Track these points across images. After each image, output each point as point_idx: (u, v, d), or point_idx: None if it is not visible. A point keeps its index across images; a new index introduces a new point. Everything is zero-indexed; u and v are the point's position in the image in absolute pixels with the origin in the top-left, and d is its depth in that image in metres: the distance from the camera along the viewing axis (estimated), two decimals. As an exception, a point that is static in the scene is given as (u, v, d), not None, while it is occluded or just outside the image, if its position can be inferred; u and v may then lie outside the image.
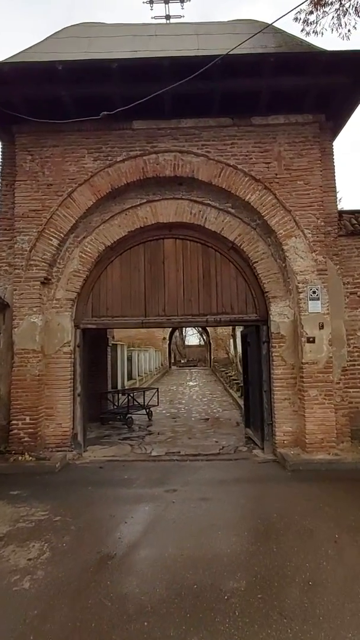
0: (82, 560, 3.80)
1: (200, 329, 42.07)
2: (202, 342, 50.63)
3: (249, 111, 7.49)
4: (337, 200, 7.85)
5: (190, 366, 44.01)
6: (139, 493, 5.55)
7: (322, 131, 7.73)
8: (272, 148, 7.53)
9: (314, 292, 7.30)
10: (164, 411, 12.91)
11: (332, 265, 7.66)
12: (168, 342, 36.59)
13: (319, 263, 7.37)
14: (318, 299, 7.29)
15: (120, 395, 12.16)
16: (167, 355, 36.59)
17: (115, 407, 11.45)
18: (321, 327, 7.23)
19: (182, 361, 52.24)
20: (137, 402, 11.59)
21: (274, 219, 7.46)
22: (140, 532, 4.37)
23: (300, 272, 7.36)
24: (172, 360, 53.56)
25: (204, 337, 43.98)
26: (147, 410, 11.49)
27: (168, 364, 36.69)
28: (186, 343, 59.47)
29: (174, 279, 8.03)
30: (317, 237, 7.41)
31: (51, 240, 7.52)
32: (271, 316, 7.62)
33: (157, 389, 13.02)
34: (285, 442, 7.40)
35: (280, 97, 7.36)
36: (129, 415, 10.51)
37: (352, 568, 3.59)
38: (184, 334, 59.27)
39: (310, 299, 7.29)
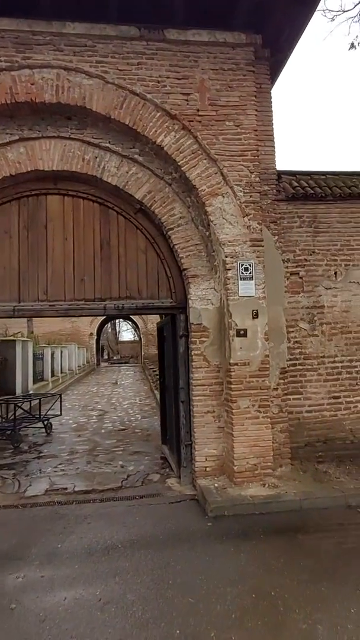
0: None
1: (131, 322, 39.83)
2: (137, 338, 48.52)
3: (161, 21, 5.49)
4: (276, 155, 6.16)
5: (121, 363, 41.69)
6: None
7: (258, 61, 5.93)
8: (193, 74, 5.59)
9: (246, 270, 5.49)
10: (70, 421, 10.66)
11: (269, 236, 5.90)
12: (96, 337, 33.99)
13: (253, 231, 5.58)
14: (251, 279, 5.49)
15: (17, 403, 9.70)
16: (95, 352, 33.97)
17: (3, 420, 9.01)
18: (255, 315, 5.45)
19: (115, 358, 49.72)
20: (30, 412, 9.24)
21: (194, 170, 5.53)
22: None
23: (229, 242, 5.51)
24: (106, 357, 50.87)
25: (137, 332, 41.82)
26: (45, 422, 9.18)
27: (95, 362, 34.09)
28: (120, 339, 56.99)
29: (60, 251, 5.85)
30: (251, 196, 5.60)
31: None
32: (191, 302, 5.71)
33: (60, 395, 10.71)
34: (207, 469, 5.55)
35: (204, 5, 5.44)
36: (16, 430, 8.15)
37: None
38: (117, 329, 56.74)
39: (241, 279, 5.47)
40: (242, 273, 5.47)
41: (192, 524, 4.39)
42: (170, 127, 5.51)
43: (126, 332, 56.42)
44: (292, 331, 6.19)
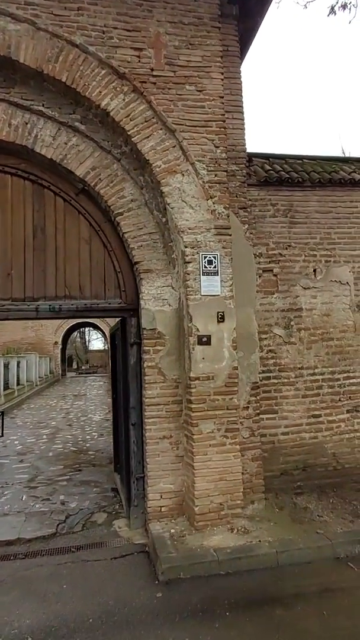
0: None
1: (100, 330, 38.36)
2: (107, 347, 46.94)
3: None
4: (245, 131, 5.25)
5: (89, 373, 40.04)
6: None
7: (225, 19, 5.02)
8: (147, 27, 4.62)
9: (210, 263, 4.50)
10: (16, 442, 9.35)
11: (238, 225, 4.95)
12: (61, 346, 32.38)
13: (219, 217, 4.61)
14: (216, 274, 4.51)
15: None
16: (60, 362, 32.33)
17: None
18: (221, 319, 4.45)
19: (83, 367, 47.93)
20: None
21: (148, 142, 4.53)
22: None
23: (189, 229, 4.52)
24: (75, 367, 48.88)
25: (106, 340, 40.32)
26: (-19, 445, 7.87)
27: (60, 372, 32.46)
28: (90, 347, 55.17)
29: (-19, 238, 4.71)
30: (216, 175, 4.64)
31: None
32: (143, 302, 4.67)
33: (2, 412, 9.40)
34: (163, 509, 4.48)
35: None
36: None
37: None
38: (86, 337, 54.89)
39: (203, 274, 4.48)
40: (205, 267, 4.48)
41: (136, 595, 3.29)
42: (118, 89, 4.50)
43: (96, 341, 54.67)
44: (266, 338, 5.24)
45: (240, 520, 4.27)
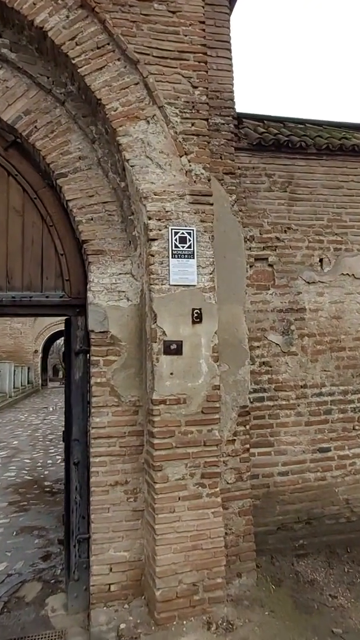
0: None
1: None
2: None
3: None
4: (234, 77, 4.06)
5: (72, 383, 38.34)
6: None
7: None
8: None
9: (183, 241, 3.25)
10: None
11: (222, 194, 3.73)
12: (42, 355, 30.79)
13: (197, 179, 3.37)
14: (191, 256, 3.25)
15: None
16: (40, 372, 30.70)
17: None
18: (197, 318, 3.19)
19: (67, 377, 46.09)
20: None
21: (101, 76, 3.30)
22: None
23: (155, 195, 3.28)
24: (60, 376, 47.00)
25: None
26: None
27: (41, 382, 30.82)
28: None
29: None
30: (194, 124, 3.42)
31: None
32: (91, 295, 3.40)
33: None
34: (112, 588, 3.15)
35: None
36: None
37: None
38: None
39: (174, 255, 3.22)
40: (176, 247, 3.23)
41: None
42: (60, 1, 3.28)
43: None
44: (258, 347, 4.00)
45: (222, 607, 2.97)
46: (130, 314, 3.42)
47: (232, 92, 3.85)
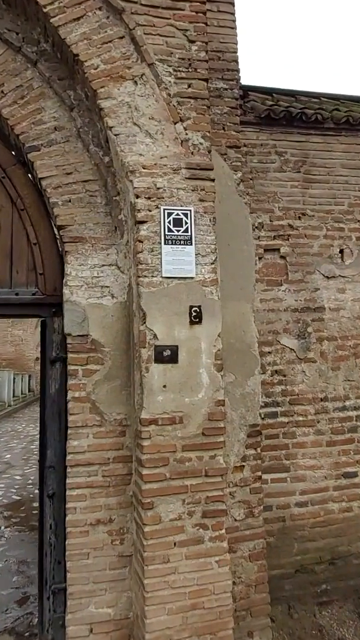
0: None
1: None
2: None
3: None
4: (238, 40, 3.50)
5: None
6: None
7: None
8: None
9: (179, 224, 2.65)
10: None
11: (225, 171, 3.14)
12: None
13: (195, 150, 2.79)
14: (188, 242, 2.66)
15: None
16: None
17: None
18: (196, 318, 2.59)
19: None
20: None
21: (78, 27, 2.74)
22: None
23: (144, 168, 2.70)
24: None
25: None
26: None
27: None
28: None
29: None
30: (192, 86, 2.84)
31: None
32: (68, 291, 2.81)
33: None
34: (92, 656, 2.53)
35: None
36: None
37: None
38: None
39: (167, 241, 2.63)
40: (170, 231, 2.64)
41: None
42: None
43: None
44: (270, 352, 3.39)
45: None
46: (115, 313, 2.83)
47: (235, 52, 3.27)
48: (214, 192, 2.77)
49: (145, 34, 2.80)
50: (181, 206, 2.68)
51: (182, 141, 2.78)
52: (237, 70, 3.27)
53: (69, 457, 2.67)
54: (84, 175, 2.96)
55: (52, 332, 2.98)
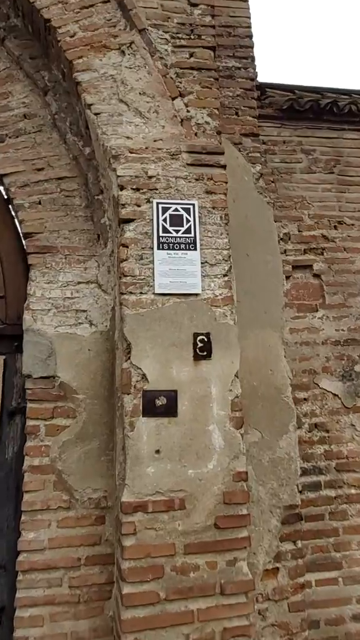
0: None
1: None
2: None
3: None
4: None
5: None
6: None
7: None
8: None
9: (177, 222, 1.94)
10: None
11: (241, 163, 2.45)
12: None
13: (200, 131, 2.13)
14: (191, 245, 1.93)
15: None
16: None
17: None
18: (202, 350, 1.80)
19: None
20: None
21: (51, -10, 2.20)
22: None
23: (131, 152, 2.03)
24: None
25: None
26: None
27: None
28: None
29: None
30: (194, 55, 2.22)
31: None
32: (30, 317, 2.08)
33: None
34: None
35: None
36: None
37: None
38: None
39: (161, 245, 1.90)
40: (166, 231, 1.92)
41: None
42: None
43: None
44: (305, 399, 2.54)
45: None
46: (94, 346, 2.07)
47: (249, 26, 2.68)
48: (225, 182, 2.07)
49: (135, -4, 2.23)
50: (181, 199, 1.98)
51: (182, 120, 2.13)
52: (252, 47, 2.67)
53: (20, 557, 1.83)
54: (59, 171, 2.32)
55: (13, 373, 2.22)
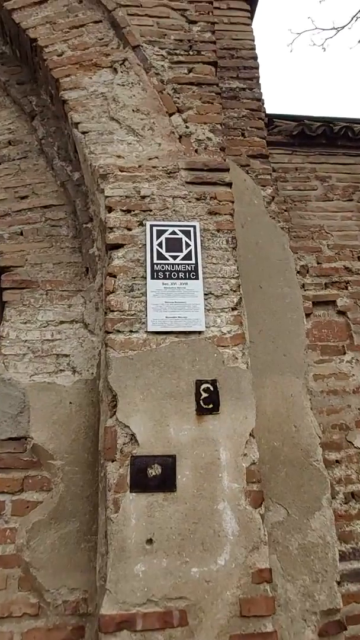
0: None
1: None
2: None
3: None
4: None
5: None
6: None
7: None
8: None
9: (175, 247, 1.62)
10: None
11: (248, 185, 2.17)
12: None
13: (201, 147, 1.86)
14: (192, 274, 1.59)
15: None
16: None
17: None
18: (208, 403, 1.42)
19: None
20: None
21: (39, 12, 2.04)
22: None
23: (122, 171, 1.76)
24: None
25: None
26: None
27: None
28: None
29: None
30: (193, 70, 2.01)
31: None
32: (1, 361, 1.74)
33: None
34: None
35: None
36: None
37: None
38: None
39: (155, 273, 1.57)
40: (162, 257, 1.60)
41: None
42: None
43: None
44: (338, 461, 2.08)
45: None
46: (76, 399, 1.70)
47: (252, 48, 2.50)
48: (232, 202, 1.77)
49: (129, 14, 2.07)
50: (179, 221, 1.67)
51: (180, 136, 1.87)
52: (256, 68, 2.48)
53: None
54: (45, 199, 2.06)
55: (-19, 432, 1.84)
